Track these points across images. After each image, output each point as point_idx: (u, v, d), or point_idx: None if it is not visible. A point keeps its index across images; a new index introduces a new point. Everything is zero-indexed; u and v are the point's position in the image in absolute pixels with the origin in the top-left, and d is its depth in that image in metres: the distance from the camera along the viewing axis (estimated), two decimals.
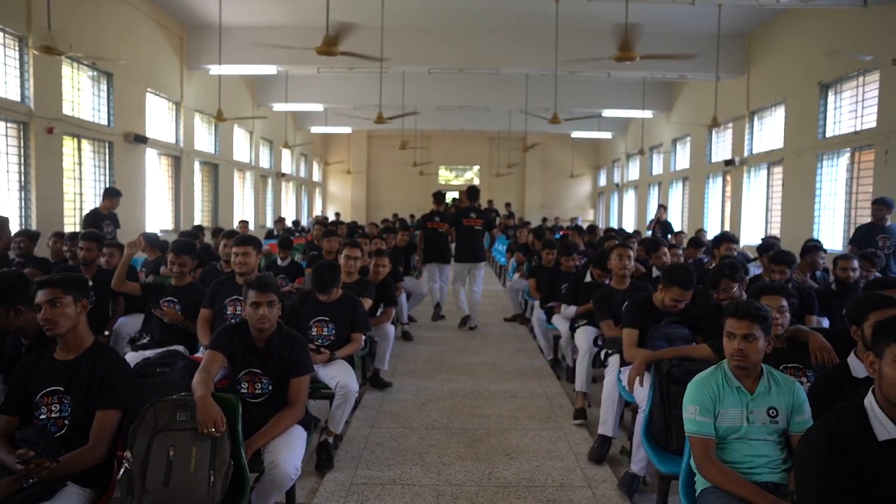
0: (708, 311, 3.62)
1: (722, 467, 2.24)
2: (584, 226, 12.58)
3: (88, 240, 4.80)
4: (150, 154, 11.29)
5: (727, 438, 2.31)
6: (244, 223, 11.60)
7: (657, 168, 17.93)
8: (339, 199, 25.28)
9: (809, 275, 5.35)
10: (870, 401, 1.74)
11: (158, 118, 11.67)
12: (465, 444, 3.94)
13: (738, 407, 2.31)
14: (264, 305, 2.84)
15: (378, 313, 5.21)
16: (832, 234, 9.47)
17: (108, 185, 9.83)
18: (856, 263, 4.86)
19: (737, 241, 4.57)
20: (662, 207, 12.94)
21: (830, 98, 9.65)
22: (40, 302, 2.37)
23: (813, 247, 5.61)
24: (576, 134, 20.64)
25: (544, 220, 18.88)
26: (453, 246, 7.79)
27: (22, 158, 7.87)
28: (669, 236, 10.36)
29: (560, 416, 4.50)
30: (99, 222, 7.28)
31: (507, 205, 18.80)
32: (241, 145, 16.07)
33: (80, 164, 9.23)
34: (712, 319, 3.53)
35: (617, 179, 21.74)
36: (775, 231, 10.66)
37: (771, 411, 2.31)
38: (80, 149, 9.23)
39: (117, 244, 5.27)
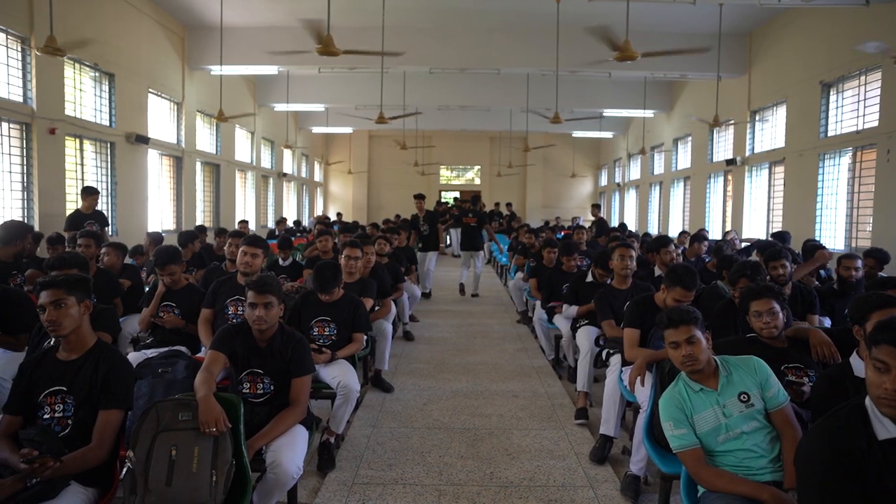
0: (719, 309, 3.61)
1: (718, 471, 2.24)
2: (586, 225, 12.59)
3: (87, 237, 4.83)
4: (152, 154, 11.31)
5: (716, 440, 2.30)
6: (245, 223, 11.62)
7: (658, 168, 17.92)
8: (340, 199, 25.29)
9: (814, 274, 5.35)
10: (870, 400, 1.74)
11: (160, 119, 11.69)
12: (466, 444, 3.94)
13: (710, 407, 2.32)
14: (261, 307, 2.85)
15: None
16: (834, 234, 9.47)
17: (109, 186, 9.89)
18: (859, 263, 4.85)
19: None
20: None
21: (832, 97, 9.64)
22: (44, 303, 2.37)
23: (813, 247, 5.61)
24: (577, 133, 20.64)
25: (546, 222, 18.87)
26: (449, 239, 10.99)
27: (24, 159, 7.89)
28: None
29: (561, 416, 4.50)
30: (81, 223, 7.25)
31: (508, 205, 18.83)
32: (243, 145, 16.09)
33: (82, 164, 9.25)
34: (722, 317, 3.53)
35: (618, 179, 21.73)
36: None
37: (742, 396, 2.32)
38: (82, 149, 9.25)
39: (115, 244, 5.25)
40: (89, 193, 7.62)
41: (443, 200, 21.08)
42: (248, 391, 2.88)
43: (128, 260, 5.51)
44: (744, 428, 2.28)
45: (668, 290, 3.47)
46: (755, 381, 2.34)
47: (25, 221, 7.82)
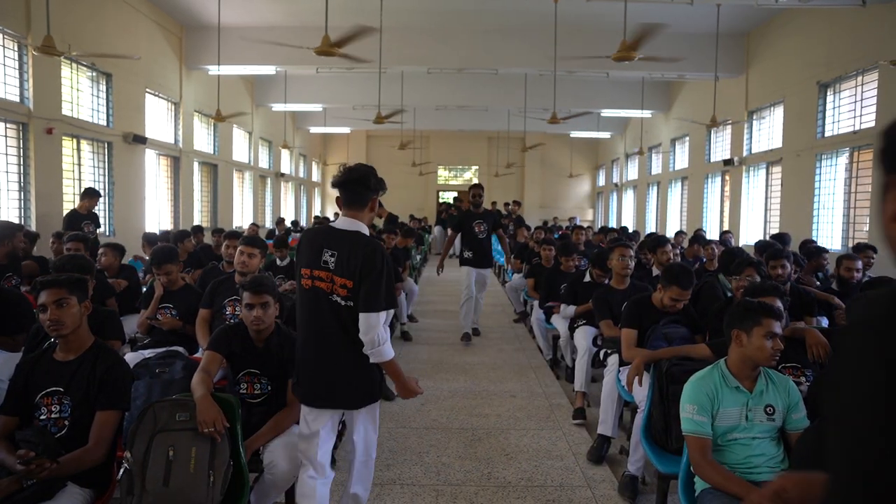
0: (718, 309, 3.60)
1: (718, 467, 2.24)
2: (584, 225, 12.59)
3: (75, 241, 4.87)
4: (150, 154, 11.29)
5: (725, 438, 2.31)
6: (255, 227, 11.50)
7: (656, 168, 17.94)
8: None
9: (813, 275, 5.39)
10: None
11: (157, 118, 11.67)
12: (464, 444, 3.94)
13: (738, 406, 2.32)
14: (258, 307, 2.84)
15: None
16: (831, 234, 9.49)
17: (107, 186, 9.87)
18: (860, 264, 4.86)
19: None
20: (516, 203, 14.75)
21: (829, 98, 9.66)
22: (45, 303, 2.36)
23: (817, 250, 5.66)
24: (575, 134, 20.64)
25: (545, 222, 18.86)
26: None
27: (21, 159, 7.87)
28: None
29: (559, 416, 4.50)
30: (77, 222, 7.24)
31: (516, 203, 18.79)
32: (241, 145, 16.07)
33: (79, 164, 9.23)
34: (721, 316, 3.52)
35: (616, 179, 21.74)
36: (774, 231, 10.66)
37: (768, 409, 2.33)
38: (79, 149, 9.23)
39: (113, 245, 5.25)
40: (90, 196, 7.59)
41: (442, 200, 21.00)
42: (245, 392, 2.88)
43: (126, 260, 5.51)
44: (757, 434, 2.31)
45: (664, 290, 3.48)
46: (786, 401, 2.35)
47: (22, 222, 7.81)
